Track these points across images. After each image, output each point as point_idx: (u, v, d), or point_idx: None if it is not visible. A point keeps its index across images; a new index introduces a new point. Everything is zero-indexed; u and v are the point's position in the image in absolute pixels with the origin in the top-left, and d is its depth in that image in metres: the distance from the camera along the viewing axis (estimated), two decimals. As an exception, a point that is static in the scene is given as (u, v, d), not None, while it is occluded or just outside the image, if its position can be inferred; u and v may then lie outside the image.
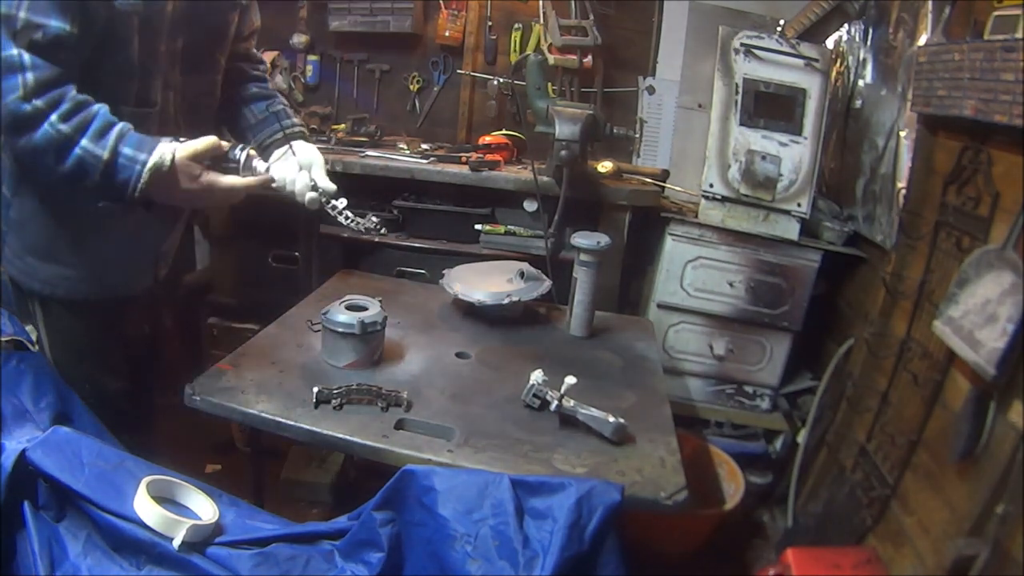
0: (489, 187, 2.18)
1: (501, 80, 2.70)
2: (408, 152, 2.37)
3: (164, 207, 1.40)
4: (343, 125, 2.57)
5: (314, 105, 2.72)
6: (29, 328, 1.30)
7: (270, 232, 2.22)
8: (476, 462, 1.13)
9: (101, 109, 1.14)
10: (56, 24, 1.08)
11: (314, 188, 1.33)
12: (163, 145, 1.17)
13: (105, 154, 1.12)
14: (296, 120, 1.54)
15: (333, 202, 1.35)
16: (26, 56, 1.07)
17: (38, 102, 1.08)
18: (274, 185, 1.34)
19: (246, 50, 1.55)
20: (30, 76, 1.07)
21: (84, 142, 1.11)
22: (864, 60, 2.17)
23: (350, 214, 1.36)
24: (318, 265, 2.09)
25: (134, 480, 1.04)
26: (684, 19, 2.64)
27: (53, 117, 1.09)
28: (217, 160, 1.26)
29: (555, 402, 1.25)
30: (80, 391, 1.24)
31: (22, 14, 1.06)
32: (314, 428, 1.18)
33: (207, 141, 1.22)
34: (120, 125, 1.14)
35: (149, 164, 1.15)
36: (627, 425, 1.23)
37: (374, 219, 1.40)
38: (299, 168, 1.35)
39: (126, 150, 1.14)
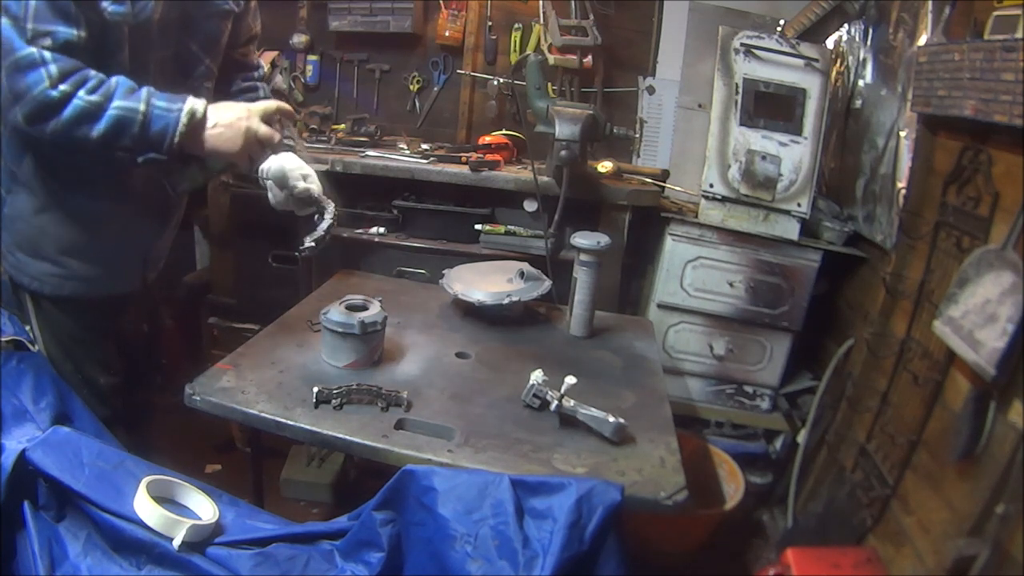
0: (489, 187, 2.18)
1: (501, 80, 2.69)
2: (408, 152, 2.37)
3: (156, 209, 1.40)
4: (343, 125, 2.57)
5: (314, 105, 2.71)
6: (27, 328, 1.30)
7: (270, 232, 2.21)
8: (476, 462, 1.13)
9: (121, 78, 1.17)
10: (63, 30, 1.11)
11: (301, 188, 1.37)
12: (192, 98, 1.21)
13: (141, 106, 1.15)
14: (287, 132, 1.52)
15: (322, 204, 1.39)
16: (46, 52, 1.09)
17: (64, 87, 1.11)
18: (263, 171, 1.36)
19: (242, 56, 1.53)
20: (53, 67, 1.10)
21: (116, 102, 1.14)
22: (864, 60, 2.17)
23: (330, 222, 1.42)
24: (318, 265, 2.08)
25: (134, 480, 1.04)
26: (684, 19, 2.65)
27: (80, 92, 1.12)
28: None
29: (555, 402, 1.25)
30: (72, 386, 1.25)
31: (29, 24, 1.08)
32: (314, 428, 1.18)
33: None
34: (147, 87, 1.18)
35: (185, 109, 1.19)
36: (627, 425, 1.23)
37: (327, 219, 1.43)
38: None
39: (159, 103, 1.18)
